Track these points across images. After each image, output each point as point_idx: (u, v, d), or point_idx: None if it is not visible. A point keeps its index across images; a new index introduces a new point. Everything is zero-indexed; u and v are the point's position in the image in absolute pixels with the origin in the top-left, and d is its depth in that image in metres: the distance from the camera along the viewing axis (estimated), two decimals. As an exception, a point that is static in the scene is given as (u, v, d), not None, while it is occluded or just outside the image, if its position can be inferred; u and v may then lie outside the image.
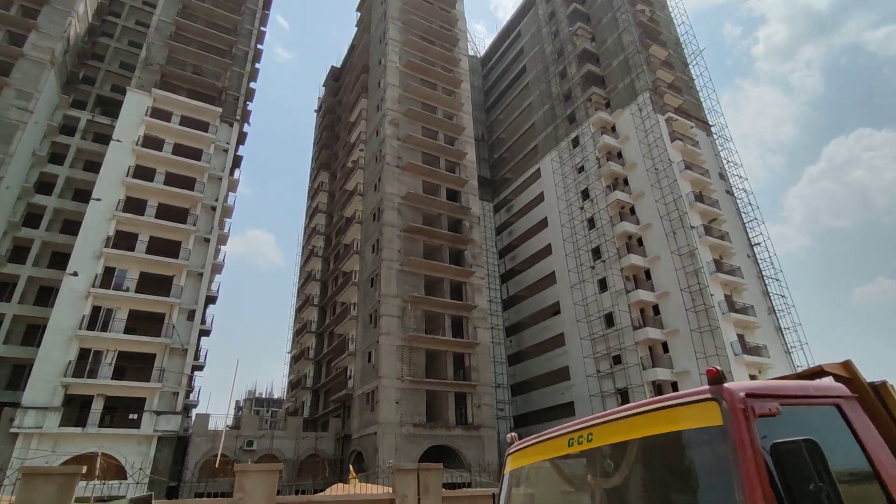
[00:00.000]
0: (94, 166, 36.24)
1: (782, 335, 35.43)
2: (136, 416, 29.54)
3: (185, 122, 38.44)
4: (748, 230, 39.43)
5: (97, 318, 30.10)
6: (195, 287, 33.63)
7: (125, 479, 24.90)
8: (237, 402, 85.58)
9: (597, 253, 40.49)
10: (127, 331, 30.71)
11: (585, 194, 43.22)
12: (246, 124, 44.37)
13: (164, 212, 34.79)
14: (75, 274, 30.13)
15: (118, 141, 34.91)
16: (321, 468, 32.85)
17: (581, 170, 44.24)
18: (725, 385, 2.46)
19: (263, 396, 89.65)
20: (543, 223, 47.24)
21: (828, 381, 3.18)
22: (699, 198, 37.37)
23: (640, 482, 2.82)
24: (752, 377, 31.75)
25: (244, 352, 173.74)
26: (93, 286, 30.22)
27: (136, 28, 44.53)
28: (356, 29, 56.01)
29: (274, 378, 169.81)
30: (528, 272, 47.91)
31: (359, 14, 55.45)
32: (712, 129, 43.81)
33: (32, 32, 35.68)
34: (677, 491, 2.71)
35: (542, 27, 54.80)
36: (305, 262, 52.79)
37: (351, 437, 33.43)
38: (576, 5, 50.33)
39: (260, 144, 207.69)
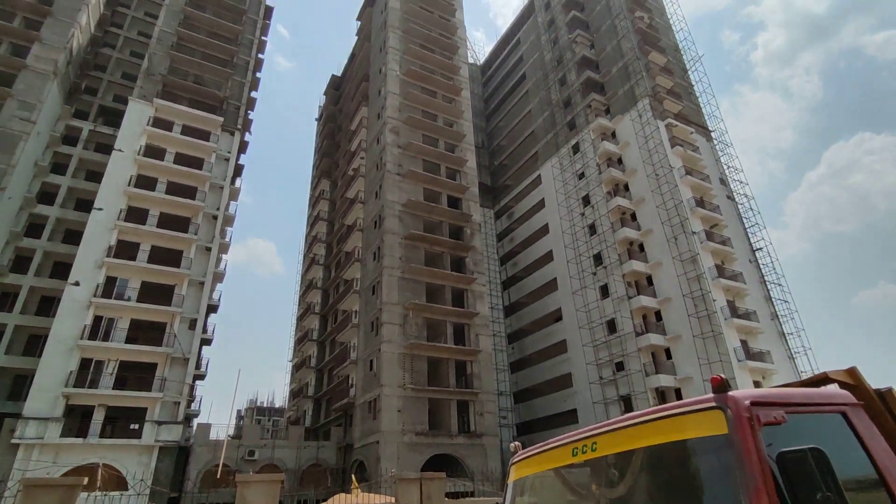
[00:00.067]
0: (96, 176, 36.39)
1: (786, 341, 35.29)
2: (137, 427, 29.46)
3: (186, 131, 38.65)
4: (749, 235, 39.40)
5: (98, 328, 30.11)
6: (196, 296, 33.64)
7: (126, 490, 24.82)
8: (238, 411, 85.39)
9: (598, 259, 40.46)
10: (128, 340, 30.69)
11: (586, 200, 43.27)
12: (247, 133, 44.63)
13: (166, 221, 34.88)
14: (77, 284, 30.17)
15: (120, 151, 35.09)
16: (323, 478, 32.67)
17: (581, 176, 44.32)
18: (730, 393, 2.46)
19: (265, 405, 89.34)
20: (544, 229, 47.26)
21: (833, 388, 3.16)
22: (700, 203, 37.39)
23: (645, 492, 2.80)
24: (756, 383, 31.62)
25: (245, 361, 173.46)
26: (94, 296, 30.25)
27: (138, 39, 44.87)
28: (356, 38, 56.37)
29: (275, 387, 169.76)
30: (530, 279, 47.87)
31: (359, 23, 55.83)
32: (712, 134, 43.93)
33: (35, 44, 35.95)
34: (682, 500, 2.68)
35: (541, 35, 55.13)
36: (307, 271, 52.81)
37: (353, 446, 33.26)
38: (575, 13, 50.65)
39: (261, 153, 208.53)
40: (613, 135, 43.73)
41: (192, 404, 35.71)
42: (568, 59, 49.59)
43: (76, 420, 28.35)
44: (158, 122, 37.66)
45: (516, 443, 4.08)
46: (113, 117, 39.54)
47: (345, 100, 56.92)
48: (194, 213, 35.93)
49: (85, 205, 35.32)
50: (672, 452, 2.64)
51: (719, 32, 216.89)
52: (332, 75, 62.22)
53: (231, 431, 37.59)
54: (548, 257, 45.97)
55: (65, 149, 37.61)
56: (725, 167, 42.00)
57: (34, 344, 31.30)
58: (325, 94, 63.05)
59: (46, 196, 35.86)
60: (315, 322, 46.97)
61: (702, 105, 45.20)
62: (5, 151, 31.78)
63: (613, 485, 2.93)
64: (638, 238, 38.65)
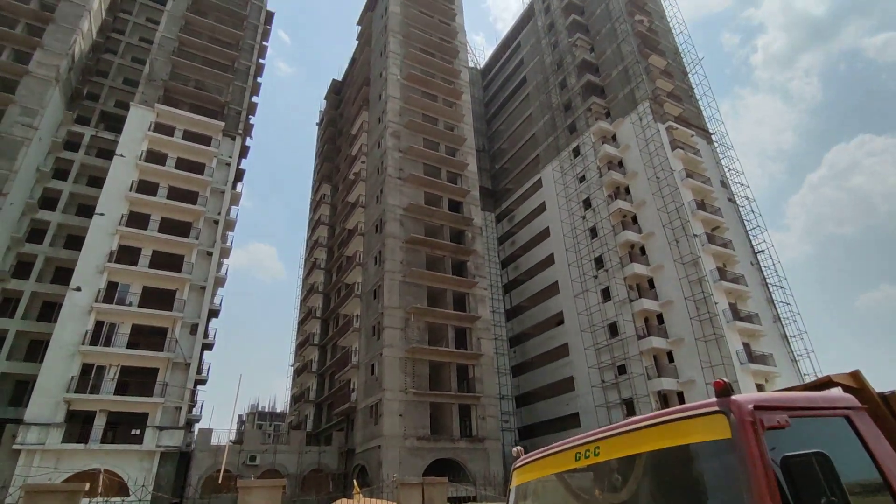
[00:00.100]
0: (97, 181, 36.50)
1: (788, 343, 35.19)
2: (138, 432, 29.40)
3: (187, 136, 38.77)
4: (751, 238, 39.36)
5: (100, 333, 30.13)
6: (198, 301, 33.66)
7: (128, 495, 24.77)
8: (240, 416, 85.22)
9: (599, 262, 40.43)
10: (130, 345, 30.69)
11: (587, 204, 43.28)
12: (248, 138, 44.81)
13: (167, 226, 34.96)
14: (78, 289, 30.21)
15: (121, 156, 35.20)
16: (325, 483, 32.60)
17: (582, 179, 44.35)
18: (733, 397, 2.44)
19: (266, 410, 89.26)
20: (545, 233, 47.26)
21: (836, 391, 3.15)
22: (701, 206, 37.37)
23: (649, 497, 2.79)
24: (759, 386, 31.50)
25: (247, 365, 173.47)
26: (96, 301, 30.29)
27: (139, 44, 45.08)
28: (357, 42, 56.60)
29: (276, 391, 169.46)
30: (531, 282, 47.84)
31: (359, 28, 56.06)
32: (713, 137, 43.95)
33: (37, 50, 36.12)
34: (686, 505, 2.67)
35: (541, 38, 55.28)
36: (308, 275, 52.83)
37: (354, 450, 33.18)
38: (574, 17, 50.80)
39: (262, 158, 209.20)
40: (614, 138, 43.78)
41: (194, 409, 35.69)
42: (568, 62, 49.71)
43: (77, 426, 28.32)
44: (160, 128, 37.79)
45: (519, 448, 4.07)
46: (114, 123, 39.68)
47: (345, 104, 57.09)
48: (195, 217, 36.01)
49: (86, 210, 35.42)
50: (675, 457, 2.63)
51: (719, 35, 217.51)
52: (333, 80, 62.44)
53: (232, 436, 37.55)
54: (549, 260, 45.94)
55: (66, 154, 37.75)
56: (726, 170, 42.01)
57: (36, 349, 31.33)
58: (326, 98, 63.24)
59: (48, 201, 35.97)
60: (316, 326, 46.97)
61: (702, 108, 45.26)
62: (7, 157, 31.89)
63: (616, 490, 2.91)
64: (639, 241, 38.62)
